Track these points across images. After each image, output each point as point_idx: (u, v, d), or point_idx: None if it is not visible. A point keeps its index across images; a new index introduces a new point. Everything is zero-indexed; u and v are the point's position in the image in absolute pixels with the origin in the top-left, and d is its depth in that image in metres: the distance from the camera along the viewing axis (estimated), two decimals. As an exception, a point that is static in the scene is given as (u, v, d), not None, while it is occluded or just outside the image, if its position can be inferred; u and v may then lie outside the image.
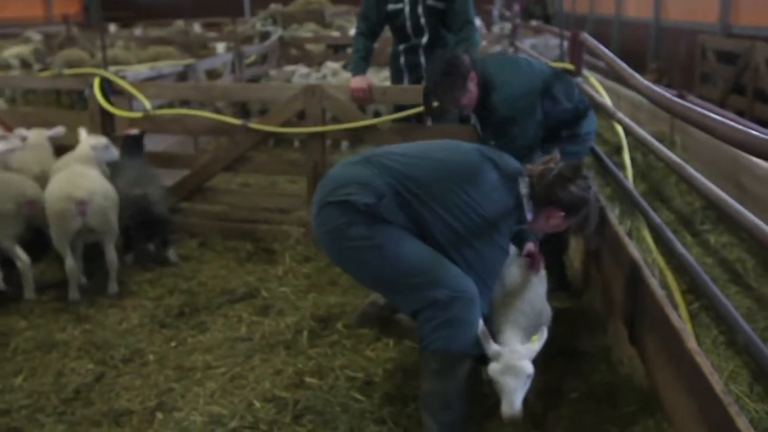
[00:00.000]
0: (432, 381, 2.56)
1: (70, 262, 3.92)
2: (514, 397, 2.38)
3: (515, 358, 2.42)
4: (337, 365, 3.21)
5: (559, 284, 3.81)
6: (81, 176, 3.95)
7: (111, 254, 4.04)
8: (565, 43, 5.06)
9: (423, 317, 2.55)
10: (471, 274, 2.55)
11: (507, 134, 3.37)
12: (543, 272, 2.95)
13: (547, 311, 2.84)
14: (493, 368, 2.43)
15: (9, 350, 3.47)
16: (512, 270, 2.83)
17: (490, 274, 2.63)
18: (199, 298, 4.00)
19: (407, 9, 4.37)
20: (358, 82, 4.41)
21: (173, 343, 3.51)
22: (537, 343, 2.51)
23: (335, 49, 11.57)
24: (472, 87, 3.27)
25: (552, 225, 2.67)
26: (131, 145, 4.62)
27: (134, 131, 4.70)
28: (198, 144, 7.03)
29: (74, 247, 4.02)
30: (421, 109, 4.30)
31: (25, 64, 10.46)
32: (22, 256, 3.95)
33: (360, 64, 4.49)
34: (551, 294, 3.85)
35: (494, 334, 2.58)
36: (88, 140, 4.34)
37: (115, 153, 4.42)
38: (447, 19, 4.37)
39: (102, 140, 4.37)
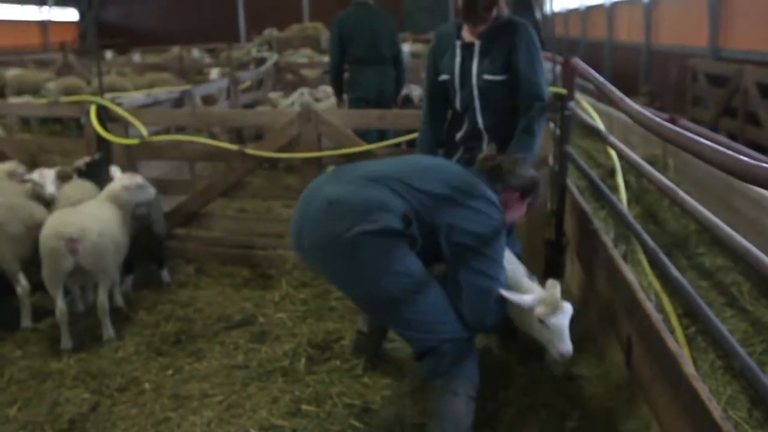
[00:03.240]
0: (453, 405, 2.66)
1: (61, 306, 3.68)
2: (567, 335, 2.59)
3: (558, 299, 2.64)
4: (335, 392, 3.20)
5: None
6: (76, 212, 3.77)
7: (102, 298, 3.78)
8: (558, 68, 5.13)
9: (433, 354, 2.68)
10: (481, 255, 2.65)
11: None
12: None
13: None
14: (544, 312, 2.60)
15: (3, 380, 3.45)
16: None
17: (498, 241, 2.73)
18: (196, 325, 3.98)
19: None
20: None
21: (170, 371, 3.49)
22: (557, 288, 2.70)
23: (331, 75, 11.64)
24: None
25: (514, 207, 2.91)
26: (92, 173, 4.48)
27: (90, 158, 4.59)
28: (194, 170, 7.04)
29: (70, 289, 3.92)
30: (414, 135, 4.34)
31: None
32: (23, 282, 3.93)
33: None
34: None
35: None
36: (121, 180, 4.12)
37: (151, 192, 4.21)
38: None
39: (136, 180, 4.15)
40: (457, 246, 2.64)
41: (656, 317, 2.50)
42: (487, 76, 3.30)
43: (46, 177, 4.05)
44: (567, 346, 2.59)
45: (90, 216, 3.78)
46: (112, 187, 4.09)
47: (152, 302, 4.32)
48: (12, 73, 11.89)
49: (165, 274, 4.61)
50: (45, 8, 28.00)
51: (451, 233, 2.63)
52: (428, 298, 2.62)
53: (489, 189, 2.77)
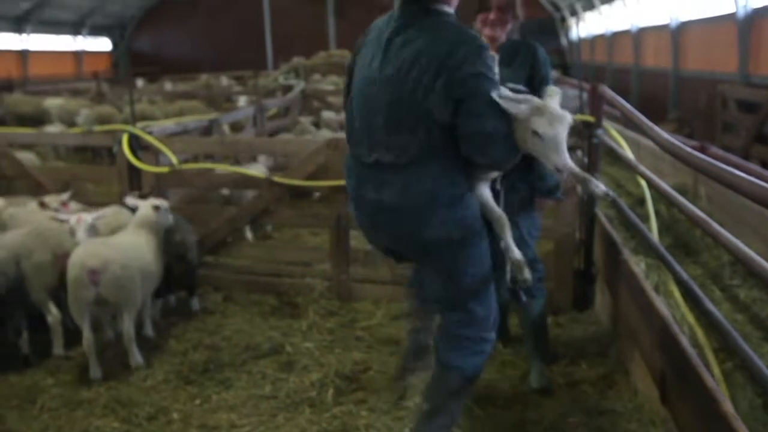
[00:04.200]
0: (446, 398, 2.75)
1: (88, 336, 3.68)
2: (564, 147, 2.40)
3: (555, 105, 2.44)
4: (362, 425, 3.17)
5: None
6: (103, 244, 3.81)
7: (127, 326, 3.78)
8: (584, 95, 5.11)
9: (459, 335, 2.72)
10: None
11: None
12: None
13: None
14: (540, 122, 2.40)
15: (36, 408, 3.48)
16: None
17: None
18: (224, 354, 3.99)
19: None
20: None
21: (198, 401, 3.50)
22: (556, 97, 2.51)
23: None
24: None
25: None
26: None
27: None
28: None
29: (99, 317, 3.94)
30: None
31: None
32: (53, 310, 3.98)
33: None
34: (577, 340, 3.81)
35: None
36: (150, 203, 4.15)
37: (170, 218, 4.25)
38: None
39: (164, 203, 4.22)
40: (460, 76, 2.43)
41: (691, 352, 2.46)
42: (510, 85, 3.27)
43: (81, 224, 3.95)
44: (563, 158, 2.38)
45: (117, 247, 3.81)
46: (143, 211, 4.13)
47: (181, 330, 4.35)
48: (57, 102, 12.22)
49: (195, 303, 4.64)
50: (80, 38, 28.78)
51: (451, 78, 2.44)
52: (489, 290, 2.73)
53: (440, 15, 2.55)
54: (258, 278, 5.04)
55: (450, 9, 2.59)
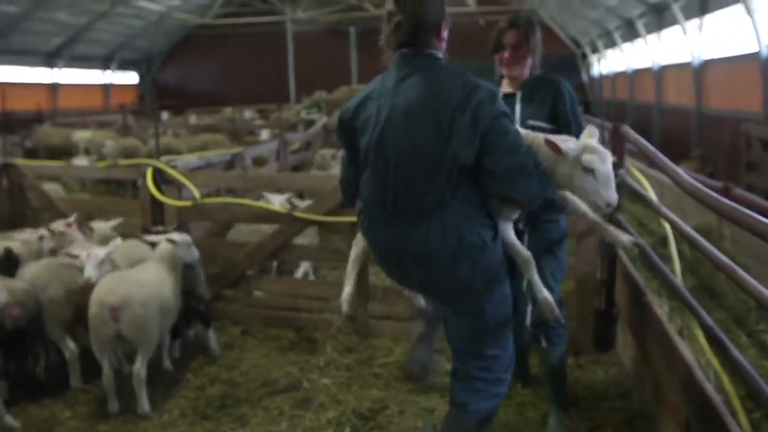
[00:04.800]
0: None
1: (108, 373, 3.68)
2: (613, 182, 2.50)
3: (600, 147, 2.53)
4: (379, 465, 3.12)
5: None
6: (124, 280, 3.78)
7: (138, 367, 3.70)
8: (605, 133, 5.11)
9: (476, 377, 2.69)
10: None
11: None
12: None
13: None
14: (592, 159, 2.48)
15: (52, 441, 3.49)
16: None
17: None
18: (241, 389, 3.97)
19: None
20: None
21: (213, 437, 3.48)
22: (594, 137, 2.60)
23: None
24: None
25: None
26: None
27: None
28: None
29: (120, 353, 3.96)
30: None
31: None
32: (70, 345, 3.99)
33: None
34: (598, 382, 3.73)
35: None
36: (170, 237, 4.16)
37: (195, 253, 4.25)
38: None
39: (184, 236, 4.24)
40: (478, 109, 2.45)
41: (717, 399, 2.40)
42: (531, 122, 3.24)
43: (90, 260, 3.89)
44: (614, 193, 2.49)
45: (138, 284, 3.78)
46: (163, 246, 4.13)
47: (198, 364, 4.34)
48: (85, 135, 12.52)
49: (211, 336, 4.54)
50: (108, 72, 29.48)
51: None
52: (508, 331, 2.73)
53: (431, 59, 2.57)
54: (276, 312, 5.04)
55: (441, 54, 2.62)
